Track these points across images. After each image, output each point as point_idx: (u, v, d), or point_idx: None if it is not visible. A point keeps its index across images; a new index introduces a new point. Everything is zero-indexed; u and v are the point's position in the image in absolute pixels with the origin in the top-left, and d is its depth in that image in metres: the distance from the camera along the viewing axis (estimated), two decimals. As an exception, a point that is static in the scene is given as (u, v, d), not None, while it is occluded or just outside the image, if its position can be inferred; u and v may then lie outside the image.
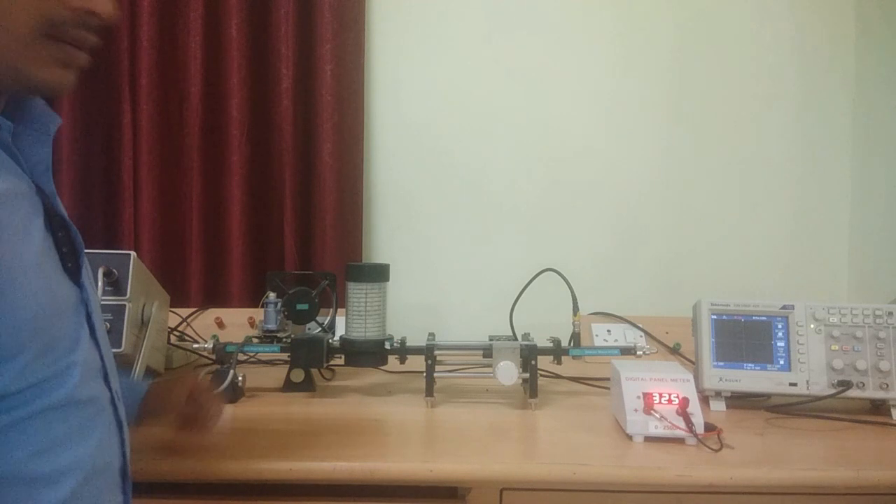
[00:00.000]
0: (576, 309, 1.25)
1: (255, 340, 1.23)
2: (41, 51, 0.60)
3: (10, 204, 0.58)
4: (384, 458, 0.88)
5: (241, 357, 1.29)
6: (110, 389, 0.68)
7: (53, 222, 0.64)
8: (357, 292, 1.18)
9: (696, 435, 0.92)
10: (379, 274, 1.20)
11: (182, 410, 0.89)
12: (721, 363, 1.13)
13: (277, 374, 1.25)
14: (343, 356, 1.19)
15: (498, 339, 1.17)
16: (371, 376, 1.32)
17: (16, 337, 0.55)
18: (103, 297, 1.09)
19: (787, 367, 1.11)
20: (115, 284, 1.11)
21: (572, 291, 1.26)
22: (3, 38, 0.58)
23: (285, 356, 1.22)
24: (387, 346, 1.18)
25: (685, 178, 1.70)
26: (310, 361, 1.19)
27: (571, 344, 1.23)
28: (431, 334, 1.21)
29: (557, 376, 1.30)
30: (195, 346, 1.27)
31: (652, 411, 0.94)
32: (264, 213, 1.64)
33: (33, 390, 0.57)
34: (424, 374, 1.12)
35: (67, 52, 0.62)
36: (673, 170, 1.70)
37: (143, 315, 1.19)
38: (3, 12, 0.57)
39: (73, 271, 0.65)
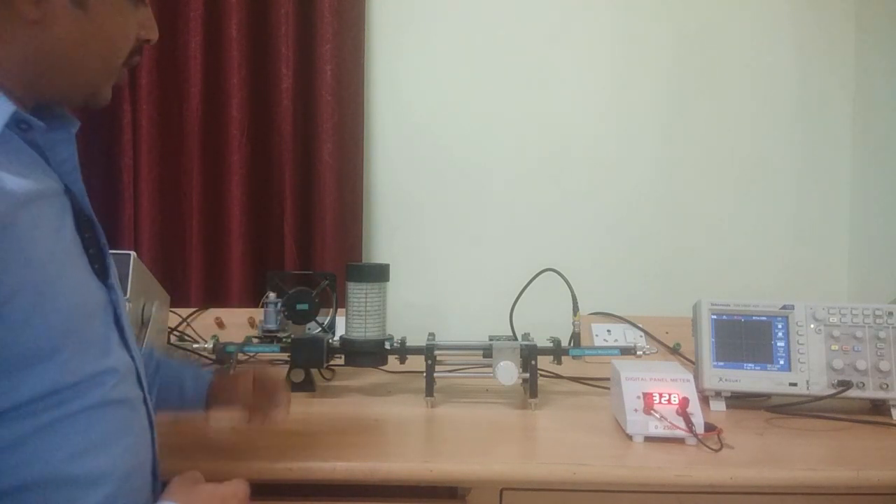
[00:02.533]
0: (576, 309, 1.25)
1: (255, 340, 1.23)
2: (115, 75, 0.70)
3: (45, 204, 0.60)
4: (384, 457, 0.88)
5: (241, 357, 1.29)
6: (143, 390, 0.70)
7: (81, 222, 0.65)
8: (357, 292, 1.18)
9: (696, 435, 0.92)
10: (379, 274, 1.20)
11: (249, 402, 0.90)
12: (721, 363, 1.13)
13: (277, 374, 1.25)
14: (343, 356, 1.19)
15: (498, 339, 1.17)
16: (371, 376, 1.32)
17: (53, 336, 0.57)
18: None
19: (787, 367, 1.11)
20: (115, 284, 1.11)
21: (572, 291, 1.26)
22: (101, 68, 0.67)
23: (285, 356, 1.22)
24: (387, 346, 1.18)
25: (685, 178, 1.70)
26: (310, 361, 1.19)
27: (571, 344, 1.23)
28: (431, 334, 1.21)
29: (557, 376, 1.30)
30: (195, 346, 1.27)
31: (652, 411, 0.94)
32: (264, 213, 1.64)
33: (71, 391, 0.58)
34: (424, 374, 1.12)
35: (124, 73, 0.71)
36: (673, 170, 1.70)
37: (143, 315, 1.19)
38: (114, 51, 0.67)
39: (100, 272, 0.66)
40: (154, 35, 0.72)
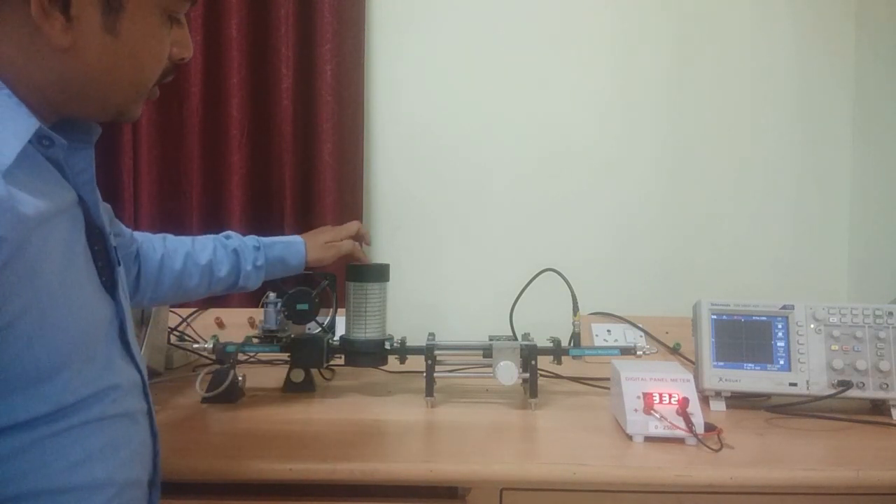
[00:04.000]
0: (576, 309, 1.25)
1: (255, 340, 1.22)
2: (145, 95, 0.68)
3: (59, 220, 0.59)
4: (384, 458, 0.88)
5: (241, 357, 1.29)
6: (148, 402, 0.69)
7: (92, 234, 0.64)
8: (357, 292, 1.18)
9: (696, 435, 0.92)
10: (379, 274, 1.20)
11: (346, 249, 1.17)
12: (721, 363, 1.13)
13: (277, 375, 1.25)
14: (343, 356, 1.19)
15: (498, 339, 1.17)
16: (371, 376, 1.32)
17: (55, 358, 0.56)
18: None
19: (787, 367, 1.11)
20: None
21: (572, 291, 1.26)
22: (131, 91, 0.66)
23: (285, 356, 1.22)
24: (387, 346, 1.18)
25: (685, 178, 1.70)
26: (310, 361, 1.19)
27: (571, 344, 1.23)
28: (431, 334, 1.21)
29: (557, 376, 1.30)
30: (195, 346, 1.27)
31: (652, 411, 0.94)
32: (264, 212, 1.64)
33: (72, 408, 0.58)
34: (424, 374, 1.12)
35: (156, 91, 0.70)
36: (673, 169, 1.70)
37: (143, 315, 1.19)
38: (145, 74, 0.66)
39: (108, 285, 0.65)
40: (188, 53, 0.70)
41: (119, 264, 0.70)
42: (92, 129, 0.69)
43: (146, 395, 0.69)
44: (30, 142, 0.57)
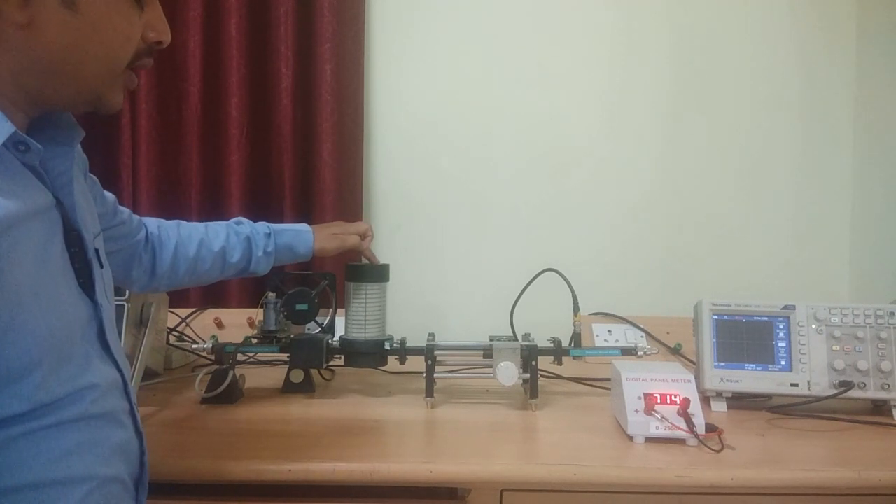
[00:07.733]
0: (576, 309, 1.25)
1: (255, 341, 1.22)
2: (120, 79, 0.68)
3: (33, 222, 0.59)
4: (384, 458, 0.87)
5: (240, 357, 1.29)
6: (129, 402, 0.69)
7: (69, 237, 0.64)
8: (357, 292, 1.18)
9: (697, 436, 0.92)
10: (379, 274, 1.20)
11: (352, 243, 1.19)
12: (722, 363, 1.12)
13: (277, 375, 1.25)
14: (343, 357, 1.19)
15: (498, 340, 1.17)
16: (371, 377, 1.32)
17: (28, 357, 0.56)
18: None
19: (789, 368, 1.11)
20: (114, 285, 1.11)
21: (573, 291, 1.25)
22: (102, 71, 0.65)
23: (285, 357, 1.22)
24: (386, 346, 1.18)
25: (686, 178, 1.70)
26: (309, 362, 1.19)
27: (572, 344, 1.23)
28: (431, 334, 1.21)
29: (558, 377, 1.30)
30: (194, 346, 1.27)
31: (653, 412, 0.93)
32: (264, 212, 1.63)
33: (47, 408, 0.57)
34: (424, 375, 1.12)
35: (133, 77, 0.70)
36: (674, 169, 1.70)
37: (141, 315, 1.19)
38: (113, 53, 0.65)
39: (86, 286, 0.65)
40: (165, 37, 0.70)
41: (102, 266, 0.70)
42: (74, 130, 0.69)
43: (127, 394, 0.69)
44: (5, 146, 0.57)
